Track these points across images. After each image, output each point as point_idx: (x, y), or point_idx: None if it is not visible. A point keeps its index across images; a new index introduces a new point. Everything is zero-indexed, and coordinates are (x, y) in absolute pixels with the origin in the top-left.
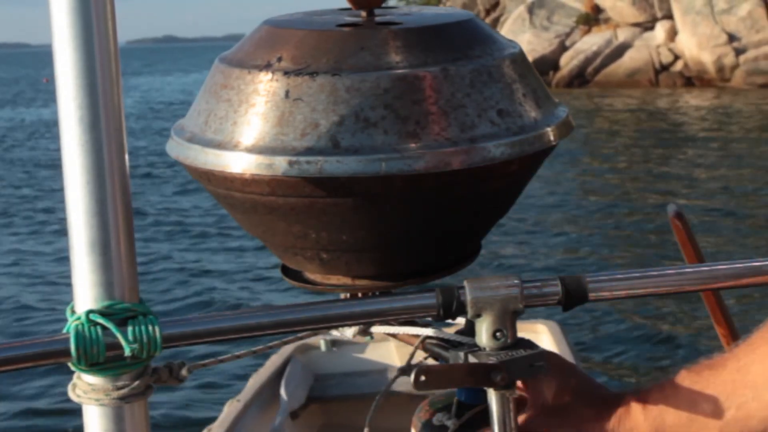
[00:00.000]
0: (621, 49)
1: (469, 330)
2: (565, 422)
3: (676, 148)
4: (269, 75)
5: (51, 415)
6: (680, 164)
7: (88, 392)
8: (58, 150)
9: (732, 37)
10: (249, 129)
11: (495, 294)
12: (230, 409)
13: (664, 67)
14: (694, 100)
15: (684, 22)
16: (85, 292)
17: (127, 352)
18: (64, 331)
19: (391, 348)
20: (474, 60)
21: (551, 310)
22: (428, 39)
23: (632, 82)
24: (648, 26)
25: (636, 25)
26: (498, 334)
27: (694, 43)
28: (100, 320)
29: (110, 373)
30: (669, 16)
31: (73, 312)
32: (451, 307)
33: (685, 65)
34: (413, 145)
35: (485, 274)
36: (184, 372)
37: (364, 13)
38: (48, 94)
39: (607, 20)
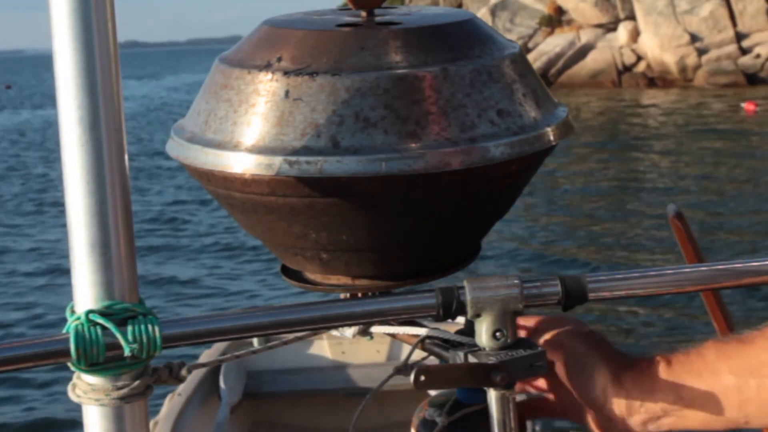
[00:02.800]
0: (584, 51)
1: (469, 330)
2: (578, 382)
3: (644, 147)
4: (269, 75)
5: (51, 415)
6: (651, 163)
7: (88, 392)
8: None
9: (694, 38)
10: (249, 129)
11: (495, 294)
12: (173, 403)
13: (627, 68)
14: (658, 100)
15: (646, 22)
16: (85, 292)
17: (127, 352)
18: (64, 331)
19: (323, 345)
20: (474, 60)
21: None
22: (428, 39)
23: (595, 83)
24: (611, 27)
25: (599, 26)
26: (498, 334)
27: (657, 44)
28: (100, 320)
29: (110, 373)
30: (631, 17)
31: (73, 312)
32: (451, 307)
33: (648, 66)
34: (413, 145)
35: (485, 274)
36: (183, 372)
37: (364, 13)
38: (8, 101)
39: (569, 22)
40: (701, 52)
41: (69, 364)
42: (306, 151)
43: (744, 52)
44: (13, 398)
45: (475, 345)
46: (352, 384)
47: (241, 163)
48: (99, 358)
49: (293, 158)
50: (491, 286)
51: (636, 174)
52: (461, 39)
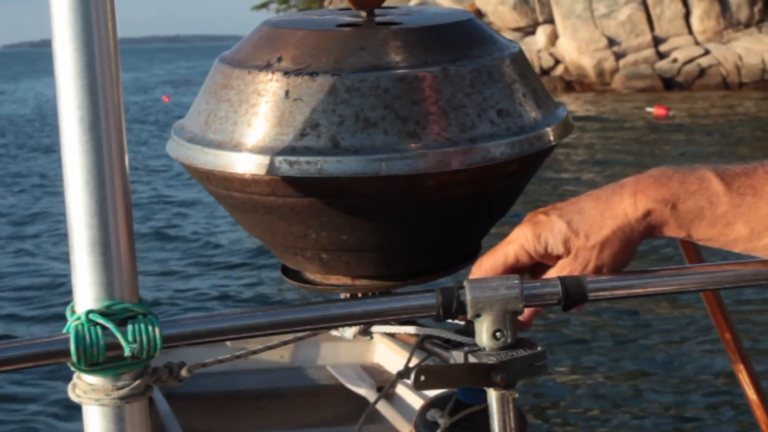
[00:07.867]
0: None
1: (469, 330)
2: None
3: (559, 150)
4: (269, 75)
5: (51, 415)
6: (566, 165)
7: (88, 392)
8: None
9: (612, 42)
10: (249, 129)
11: (495, 294)
12: None
13: (545, 72)
14: (575, 104)
15: (564, 26)
16: (85, 292)
17: (127, 352)
18: (64, 331)
19: None
20: (474, 60)
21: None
22: (428, 39)
23: None
24: (529, 31)
25: (517, 29)
26: (498, 334)
27: (575, 48)
28: (100, 320)
29: (110, 373)
30: (550, 20)
31: (73, 312)
32: (451, 307)
33: (566, 69)
34: (413, 145)
35: None
36: (183, 372)
37: (364, 13)
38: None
39: (488, 25)
40: (619, 56)
41: (69, 364)
42: (306, 151)
43: (661, 56)
44: (13, 398)
45: (475, 345)
46: (262, 386)
47: (242, 163)
48: (99, 358)
49: (293, 158)
50: (491, 286)
51: (548, 178)
52: (461, 39)
